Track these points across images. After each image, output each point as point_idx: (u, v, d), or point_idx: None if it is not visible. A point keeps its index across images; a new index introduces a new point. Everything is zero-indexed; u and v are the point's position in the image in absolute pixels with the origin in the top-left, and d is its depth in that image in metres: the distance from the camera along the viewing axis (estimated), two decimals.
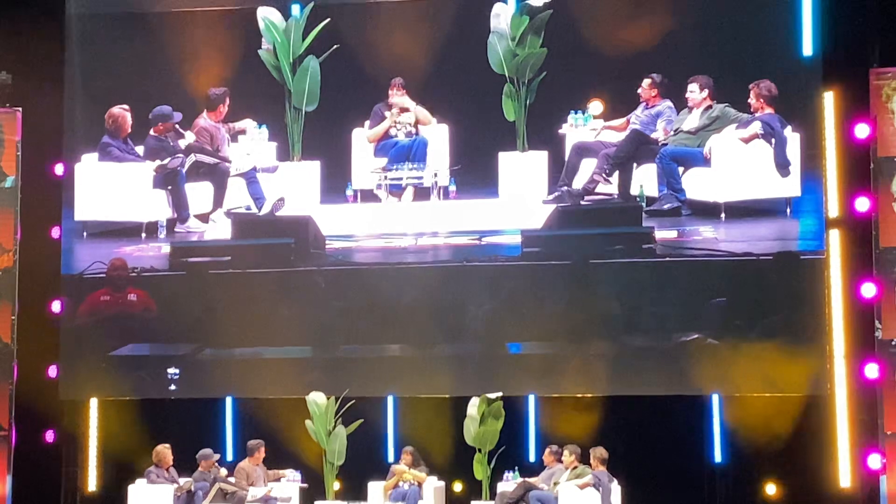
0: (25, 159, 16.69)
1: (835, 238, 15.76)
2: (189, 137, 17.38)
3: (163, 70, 17.19)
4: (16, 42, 16.77)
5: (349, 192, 16.40)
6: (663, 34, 15.98)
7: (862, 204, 15.62)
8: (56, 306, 16.99)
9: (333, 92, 16.73)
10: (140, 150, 17.35)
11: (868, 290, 15.46)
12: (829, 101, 15.83)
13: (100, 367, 16.81)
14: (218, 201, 17.19)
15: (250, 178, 17.02)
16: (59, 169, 17.09)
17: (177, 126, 17.42)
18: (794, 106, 15.76)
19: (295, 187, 16.64)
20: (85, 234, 17.09)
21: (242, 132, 17.19)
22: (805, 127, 15.73)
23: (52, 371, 16.48)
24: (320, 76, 16.74)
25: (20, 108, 16.72)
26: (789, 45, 15.87)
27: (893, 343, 15.32)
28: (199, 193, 17.29)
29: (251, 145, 17.14)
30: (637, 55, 15.91)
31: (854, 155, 15.68)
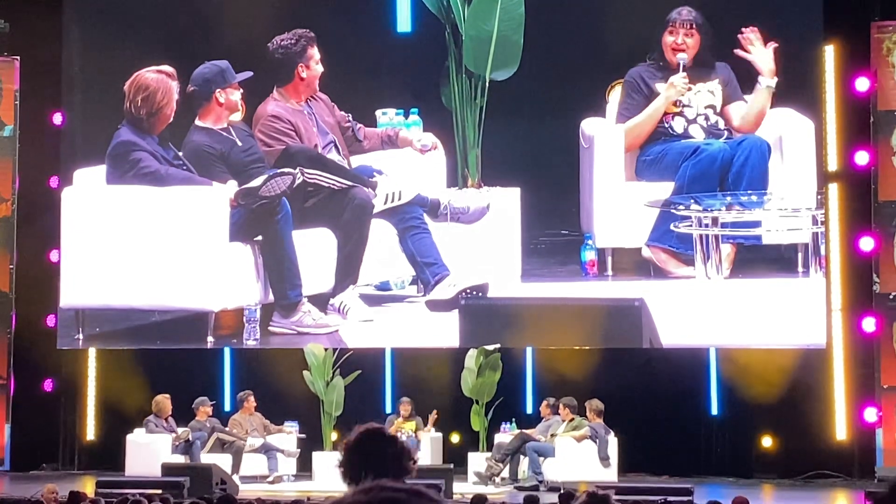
0: (23, 108, 16.65)
1: (833, 191, 15.74)
2: None
3: (172, 15, 16.47)
4: None
5: None
6: None
7: (861, 157, 15.59)
8: (54, 256, 17.00)
9: None
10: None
11: (866, 243, 15.45)
12: (829, 54, 15.79)
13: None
14: None
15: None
16: (57, 118, 17.00)
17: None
18: (795, 59, 15.73)
19: None
20: None
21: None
22: (805, 80, 15.73)
23: (51, 320, 16.48)
24: None
25: (18, 57, 16.65)
26: None
27: (891, 297, 15.34)
28: None
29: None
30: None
31: (854, 108, 15.66)
